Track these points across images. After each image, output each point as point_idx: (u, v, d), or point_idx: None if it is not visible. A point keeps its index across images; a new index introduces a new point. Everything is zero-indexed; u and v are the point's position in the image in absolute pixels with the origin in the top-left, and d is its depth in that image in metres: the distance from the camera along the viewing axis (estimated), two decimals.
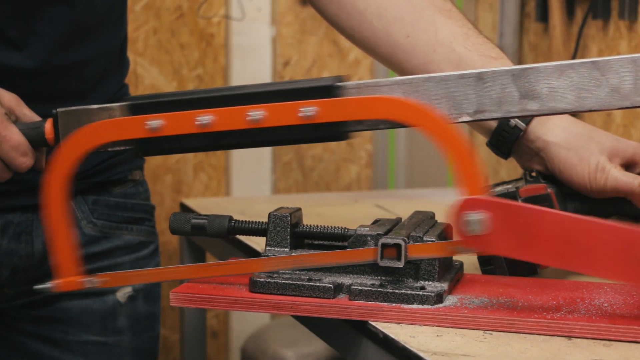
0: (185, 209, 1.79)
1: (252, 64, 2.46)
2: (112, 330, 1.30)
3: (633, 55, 0.88)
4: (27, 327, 1.29)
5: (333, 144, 2.58)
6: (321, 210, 1.64)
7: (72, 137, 0.99)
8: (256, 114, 0.95)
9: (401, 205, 1.71)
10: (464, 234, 0.91)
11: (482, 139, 1.19)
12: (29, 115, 1.06)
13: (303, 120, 0.94)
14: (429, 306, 0.94)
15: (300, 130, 0.95)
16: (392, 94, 0.94)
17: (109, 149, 1.01)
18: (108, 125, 0.98)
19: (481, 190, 0.91)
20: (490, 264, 1.09)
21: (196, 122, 0.96)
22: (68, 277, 1.01)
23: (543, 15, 2.04)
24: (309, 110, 0.94)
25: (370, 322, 0.94)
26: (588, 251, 0.88)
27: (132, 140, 0.99)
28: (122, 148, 1.00)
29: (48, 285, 1.02)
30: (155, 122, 0.97)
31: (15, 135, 1.03)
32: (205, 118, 0.96)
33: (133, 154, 1.00)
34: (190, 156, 2.46)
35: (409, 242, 0.96)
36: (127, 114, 0.99)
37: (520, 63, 2.08)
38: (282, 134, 0.96)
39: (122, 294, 1.31)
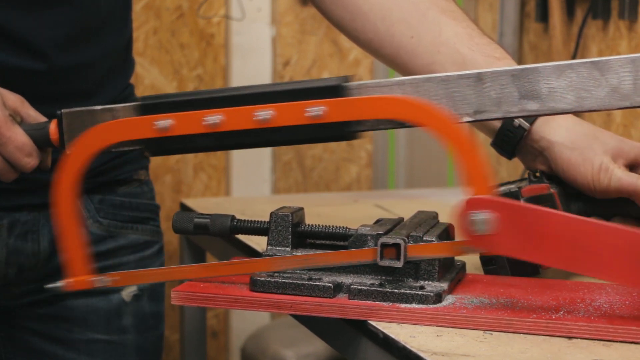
0: (185, 209, 1.79)
1: (252, 64, 2.47)
2: (117, 328, 1.31)
3: (632, 55, 0.88)
4: (32, 325, 1.29)
5: (333, 144, 2.58)
6: (321, 210, 1.64)
7: (82, 137, 0.99)
8: (264, 113, 0.95)
9: (401, 205, 1.71)
10: (469, 233, 0.91)
11: (484, 139, 1.19)
12: (33, 115, 1.07)
13: (311, 120, 0.94)
14: (428, 306, 0.94)
15: (308, 130, 0.95)
16: (393, 94, 0.94)
17: (118, 149, 1.01)
18: (117, 126, 0.99)
19: (488, 190, 0.91)
20: (492, 264, 1.09)
21: (204, 122, 0.96)
22: (79, 276, 1.01)
23: (543, 15, 2.04)
24: (316, 110, 0.94)
25: (370, 322, 0.95)
26: (593, 254, 0.88)
27: (141, 141, 0.99)
28: (130, 148, 1.00)
29: (59, 284, 1.02)
30: (164, 122, 0.97)
31: (19, 136, 1.03)
32: (214, 118, 0.96)
33: (141, 154, 1.00)
34: (190, 156, 2.46)
35: (409, 242, 0.96)
36: (135, 114, 0.99)
37: (520, 63, 2.08)
38: (289, 134, 0.96)
39: (128, 293, 1.31)
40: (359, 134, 0.97)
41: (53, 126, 1.03)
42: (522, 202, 0.94)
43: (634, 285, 0.92)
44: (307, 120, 0.94)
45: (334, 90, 0.95)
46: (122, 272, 1.05)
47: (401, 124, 0.95)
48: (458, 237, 0.94)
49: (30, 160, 1.04)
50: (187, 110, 0.97)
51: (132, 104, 0.99)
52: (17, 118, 1.06)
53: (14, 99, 1.06)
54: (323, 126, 0.95)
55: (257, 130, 0.96)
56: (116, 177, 1.31)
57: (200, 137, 0.97)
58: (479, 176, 0.91)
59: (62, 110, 1.02)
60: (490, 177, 0.91)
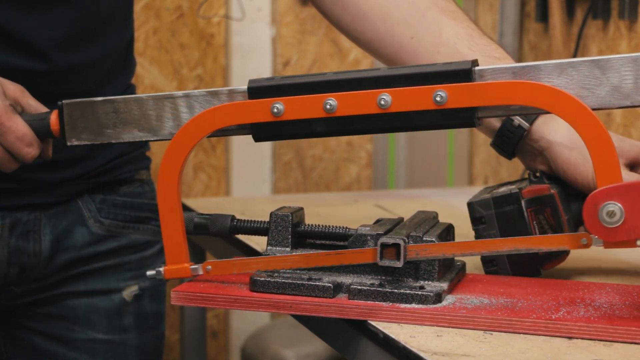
0: (185, 209, 1.79)
1: (252, 64, 2.47)
2: (118, 328, 1.31)
3: (634, 54, 0.88)
4: (33, 324, 1.29)
5: (333, 144, 2.58)
6: (321, 210, 1.64)
7: (193, 120, 0.97)
8: (385, 98, 0.92)
9: (401, 205, 1.71)
10: (600, 226, 0.88)
11: (484, 139, 1.20)
12: (34, 105, 1.07)
13: (434, 105, 0.91)
14: (428, 306, 0.94)
15: (431, 116, 0.92)
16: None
17: (223, 135, 0.99)
18: (232, 109, 0.96)
19: (617, 180, 0.88)
20: (493, 265, 1.08)
21: (322, 107, 0.93)
22: (178, 264, 1.00)
23: (543, 15, 2.04)
24: (440, 96, 0.91)
25: (370, 322, 0.94)
26: None
27: (254, 125, 0.96)
28: (242, 133, 0.98)
29: (160, 270, 1.00)
30: (280, 106, 0.94)
31: (20, 126, 1.03)
32: (332, 102, 0.93)
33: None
34: (190, 156, 2.46)
35: (408, 242, 0.96)
36: (244, 99, 0.96)
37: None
38: (411, 120, 0.93)
39: (129, 293, 1.32)
40: (486, 120, 0.93)
41: (54, 117, 1.04)
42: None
43: None
44: (430, 105, 0.91)
45: (461, 75, 0.91)
46: (215, 261, 1.02)
47: (535, 110, 0.91)
48: (590, 229, 0.88)
49: (30, 151, 1.04)
50: (303, 94, 0.94)
51: (243, 87, 0.96)
52: (17, 108, 1.06)
53: (15, 89, 1.07)
54: (448, 112, 0.91)
55: (377, 116, 0.92)
56: (118, 177, 1.31)
57: (316, 122, 0.94)
58: (609, 166, 0.88)
59: (63, 101, 1.03)
60: (618, 168, 0.87)
